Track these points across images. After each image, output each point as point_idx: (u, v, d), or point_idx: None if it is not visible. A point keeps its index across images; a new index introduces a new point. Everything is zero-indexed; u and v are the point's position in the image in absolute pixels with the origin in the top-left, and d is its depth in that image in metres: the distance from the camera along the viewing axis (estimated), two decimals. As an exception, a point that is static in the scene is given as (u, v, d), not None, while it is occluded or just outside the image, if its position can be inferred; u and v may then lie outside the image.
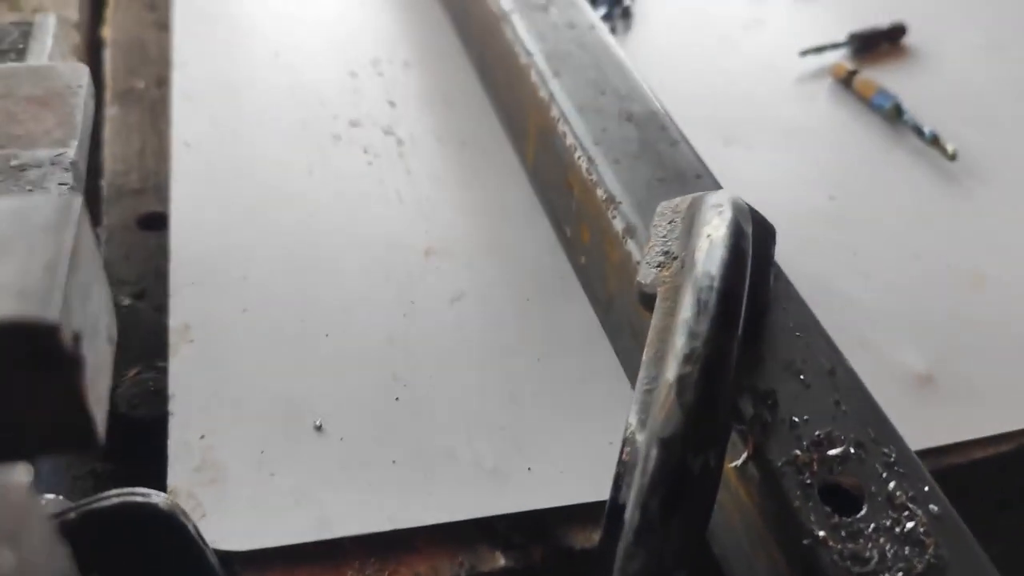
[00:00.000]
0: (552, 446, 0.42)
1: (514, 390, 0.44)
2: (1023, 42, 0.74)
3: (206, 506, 0.38)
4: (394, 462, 0.40)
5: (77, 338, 0.21)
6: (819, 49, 0.71)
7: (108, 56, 0.71)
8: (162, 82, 0.68)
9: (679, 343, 0.31)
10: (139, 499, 0.32)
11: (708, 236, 0.35)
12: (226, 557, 0.36)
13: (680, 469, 0.29)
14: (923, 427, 0.46)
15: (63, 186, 0.41)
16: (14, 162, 0.41)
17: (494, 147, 0.59)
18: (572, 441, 0.42)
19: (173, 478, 0.39)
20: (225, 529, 0.37)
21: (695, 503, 0.29)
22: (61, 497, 0.34)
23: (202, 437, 0.40)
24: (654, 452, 0.29)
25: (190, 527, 0.32)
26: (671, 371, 0.30)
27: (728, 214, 0.36)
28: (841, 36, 0.72)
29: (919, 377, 0.48)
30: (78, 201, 0.22)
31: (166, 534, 0.32)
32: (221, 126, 0.57)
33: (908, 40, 0.74)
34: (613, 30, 0.71)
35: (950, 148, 0.61)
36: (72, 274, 0.20)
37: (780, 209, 0.57)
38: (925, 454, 0.45)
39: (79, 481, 0.42)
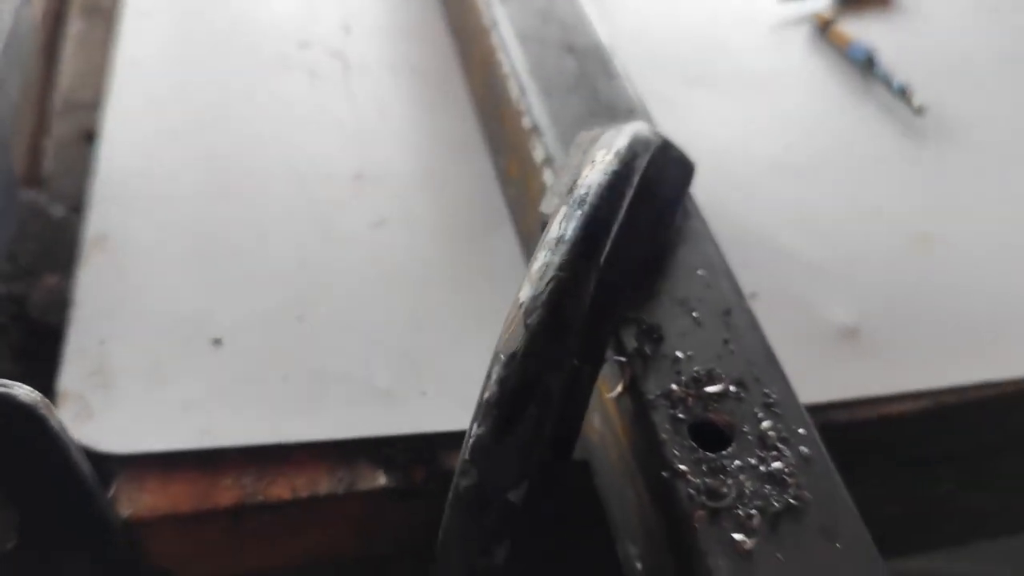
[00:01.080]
0: (452, 373, 0.42)
1: (422, 318, 0.44)
2: (1014, 5, 0.71)
3: (94, 408, 0.38)
4: (285, 378, 0.40)
5: None
6: (800, -3, 0.69)
7: (77, -29, 0.70)
8: None
9: (535, 265, 0.30)
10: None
11: (592, 161, 0.34)
12: (104, 459, 0.37)
13: (516, 390, 0.28)
14: (838, 379, 0.45)
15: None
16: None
17: (445, 77, 0.58)
18: (473, 369, 0.42)
19: (65, 380, 0.39)
20: (108, 432, 0.37)
21: (530, 423, 0.28)
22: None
23: (101, 343, 0.41)
24: (495, 371, 0.29)
25: (52, 421, 0.33)
26: (523, 292, 0.30)
27: (621, 142, 0.35)
28: (826, -16, 0.70)
29: (844, 331, 0.47)
30: None
31: (29, 427, 0.32)
32: (170, 45, 0.57)
33: (895, -8, 0.72)
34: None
35: (916, 102, 0.60)
36: None
37: (733, 156, 0.56)
38: (836, 406, 0.45)
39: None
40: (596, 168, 0.33)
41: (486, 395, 0.28)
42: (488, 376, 0.29)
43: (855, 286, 0.49)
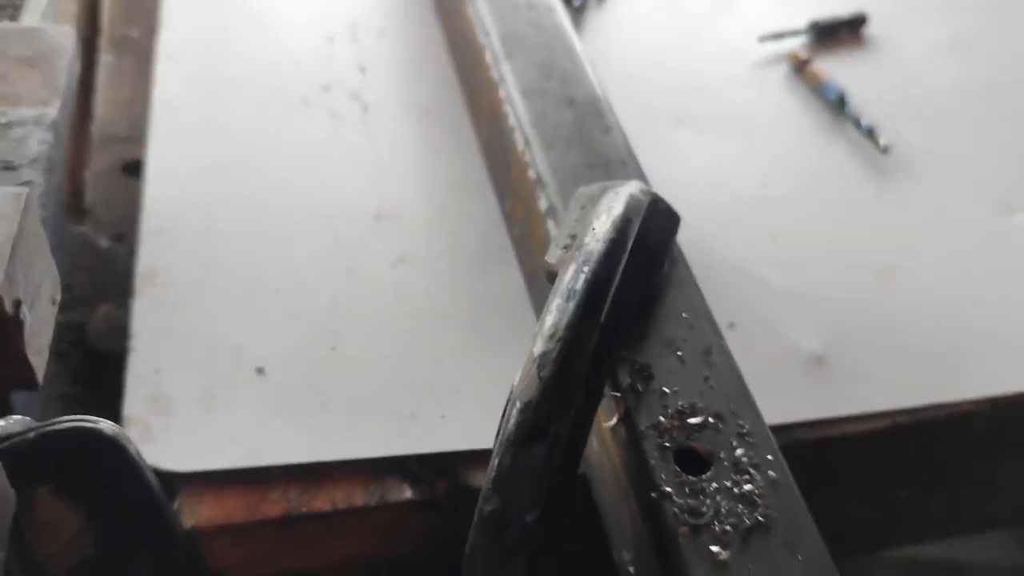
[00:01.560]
0: (466, 398, 0.48)
1: (440, 349, 0.50)
2: (985, 45, 0.77)
3: (154, 431, 0.44)
4: (324, 404, 0.46)
5: (18, 304, 0.26)
6: (778, 36, 0.74)
7: (106, 4, 0.75)
8: (155, 31, 0.72)
9: (546, 323, 0.36)
10: (88, 424, 0.37)
11: (593, 229, 0.40)
12: (168, 477, 0.42)
13: (532, 431, 0.34)
14: (806, 401, 0.51)
15: (43, 144, 0.46)
16: (2, 120, 0.46)
17: (454, 119, 0.63)
18: (484, 395, 0.48)
19: (128, 406, 0.44)
20: (169, 453, 0.43)
21: (546, 460, 0.34)
22: (28, 419, 0.40)
23: (157, 372, 0.46)
24: (513, 415, 0.34)
25: (131, 449, 0.38)
26: (537, 347, 0.35)
27: (617, 209, 0.41)
28: (804, 23, 0.76)
29: (812, 357, 0.53)
30: (24, 194, 0.27)
31: (111, 454, 0.38)
32: (200, 87, 0.62)
33: (869, 30, 0.77)
34: (584, 6, 0.75)
35: (882, 142, 0.65)
36: (15, 253, 0.26)
37: (714, 192, 0.62)
38: (804, 425, 0.51)
39: (50, 403, 0.48)
40: (596, 235, 0.39)
41: (505, 436, 0.34)
42: (506, 418, 0.35)
43: (823, 315, 0.55)
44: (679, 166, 0.63)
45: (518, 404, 0.35)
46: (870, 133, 0.66)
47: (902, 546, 0.62)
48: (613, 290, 0.37)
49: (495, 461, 0.35)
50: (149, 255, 0.51)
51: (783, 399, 0.51)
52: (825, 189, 0.64)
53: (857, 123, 0.67)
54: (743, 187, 0.63)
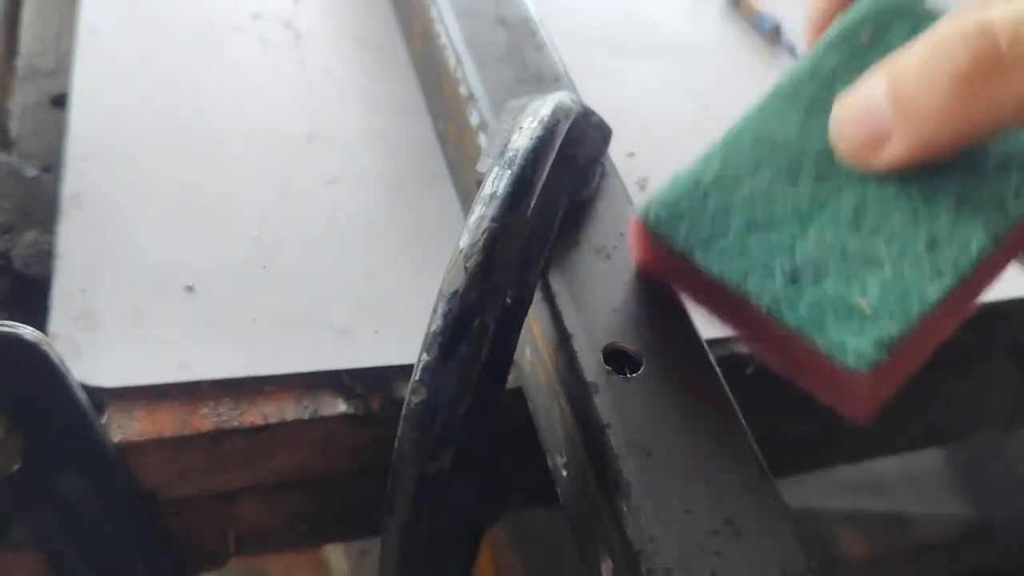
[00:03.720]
0: (400, 314, 0.47)
1: (374, 267, 0.49)
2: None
3: (82, 348, 0.43)
4: (255, 320, 0.45)
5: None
6: None
7: (30, -62, 0.73)
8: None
9: (472, 217, 0.36)
10: (6, 329, 0.37)
11: (520, 128, 0.40)
12: (95, 392, 0.42)
13: (458, 322, 0.34)
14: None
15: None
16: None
17: (388, 45, 0.63)
18: (418, 311, 0.47)
19: (54, 324, 0.44)
20: (97, 368, 0.42)
21: (469, 349, 0.34)
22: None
23: (83, 291, 0.45)
24: (440, 306, 0.34)
25: (53, 356, 0.37)
26: (463, 240, 0.35)
27: (545, 110, 0.41)
28: (740, -44, 0.76)
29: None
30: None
31: (33, 361, 0.37)
32: (127, 13, 0.60)
33: (804, -36, 0.78)
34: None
35: (816, 69, 0.66)
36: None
37: (649, 117, 0.62)
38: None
39: (-27, 326, 0.47)
40: (523, 134, 0.39)
41: (432, 327, 0.34)
42: (434, 311, 0.35)
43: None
44: (614, 93, 0.63)
45: (444, 295, 0.34)
46: (804, 61, 0.67)
47: (835, 465, 0.64)
48: (540, 187, 0.37)
49: (422, 354, 0.34)
50: (75, 179, 0.50)
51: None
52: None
53: (792, 52, 0.68)
54: (679, 114, 0.63)
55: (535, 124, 0.39)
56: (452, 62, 0.52)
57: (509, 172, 0.37)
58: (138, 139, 0.53)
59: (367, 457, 0.46)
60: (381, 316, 0.47)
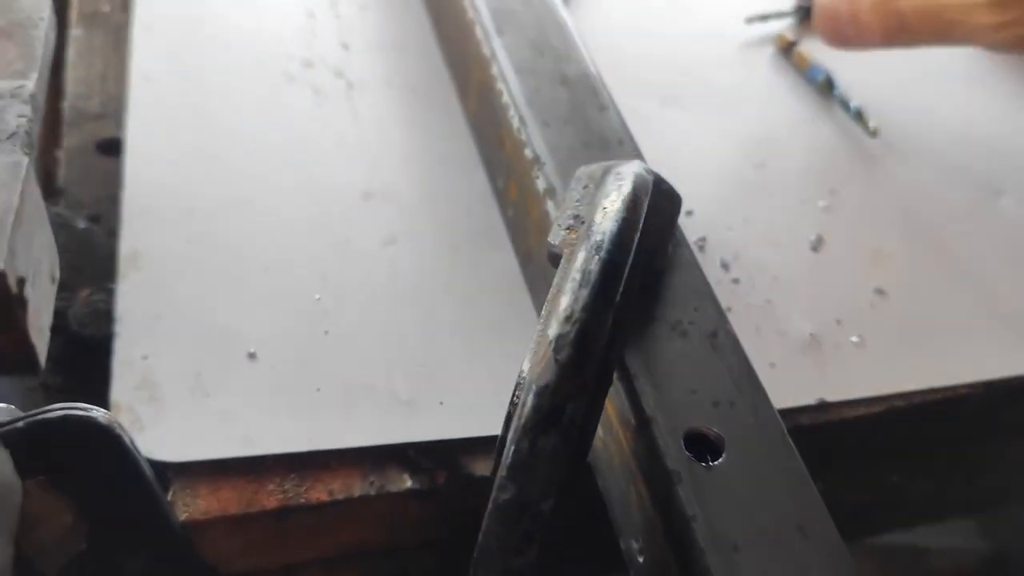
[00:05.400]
0: (464, 383, 0.46)
1: (435, 331, 0.48)
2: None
3: (144, 420, 0.42)
4: (318, 390, 0.45)
5: (21, 282, 0.24)
6: (764, 17, 0.74)
7: (75, -23, 0.72)
8: (127, 5, 0.69)
9: (562, 305, 0.35)
10: (80, 412, 0.36)
11: (604, 208, 0.39)
12: (160, 467, 0.41)
13: (549, 416, 0.33)
14: (805, 386, 0.51)
15: (21, 118, 0.44)
16: (-24, 93, 0.44)
17: (440, 95, 0.62)
18: (482, 380, 0.47)
19: (115, 393, 0.43)
20: (160, 442, 0.41)
21: (562, 446, 0.33)
22: (12, 407, 0.38)
23: (144, 358, 0.44)
24: (530, 400, 0.33)
25: (126, 439, 0.37)
26: (552, 329, 0.34)
27: (626, 188, 0.40)
28: (790, 4, 0.75)
29: (807, 342, 0.53)
30: (25, 163, 0.25)
31: (105, 444, 0.36)
32: (178, 60, 0.60)
33: (852, 13, 0.77)
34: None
35: (872, 125, 0.65)
36: (17, 226, 0.24)
37: (704, 174, 0.61)
38: (803, 410, 0.51)
39: (31, 392, 0.46)
40: (608, 216, 0.38)
41: (522, 421, 0.33)
42: (520, 404, 0.34)
43: (816, 299, 0.55)
44: (668, 147, 0.62)
45: (534, 388, 0.33)
46: (859, 116, 0.66)
47: (892, 531, 0.63)
48: (627, 271, 0.37)
49: (511, 448, 0.34)
50: (132, 236, 0.49)
51: (781, 384, 0.50)
52: (817, 172, 0.63)
53: (845, 105, 0.67)
54: (734, 169, 0.62)
55: (619, 205, 0.38)
56: (516, 122, 0.51)
57: (598, 258, 0.36)
58: (194, 194, 0.52)
59: (431, 530, 0.45)
60: (444, 385, 0.46)
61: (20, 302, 0.24)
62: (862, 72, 0.70)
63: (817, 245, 0.58)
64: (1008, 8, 0.56)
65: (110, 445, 0.36)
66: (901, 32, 0.61)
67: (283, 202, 0.53)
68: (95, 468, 0.37)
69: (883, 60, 0.73)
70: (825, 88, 0.69)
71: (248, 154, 0.55)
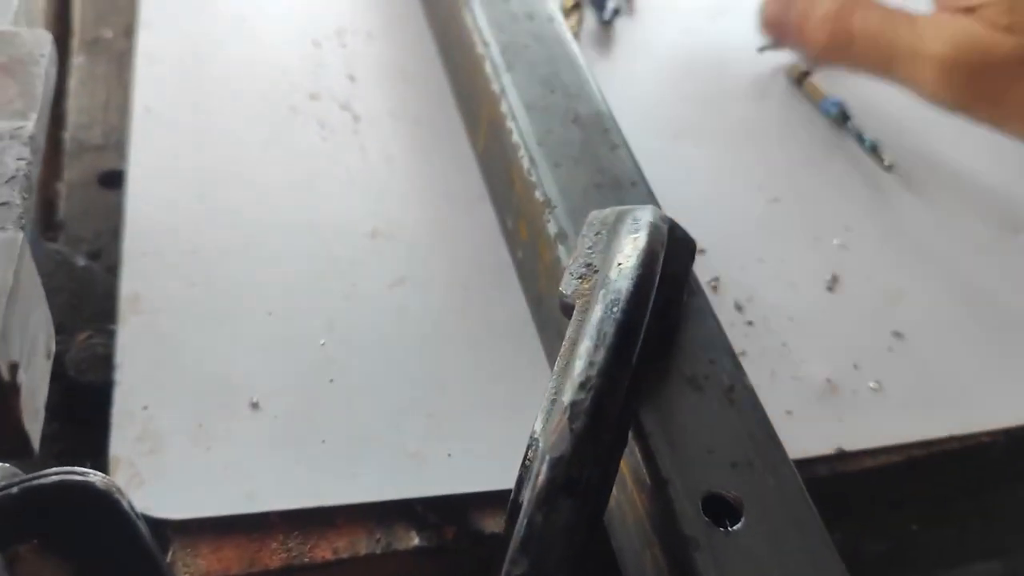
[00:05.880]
0: (473, 434, 0.45)
1: (444, 378, 0.47)
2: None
3: (144, 475, 0.41)
4: (324, 442, 0.43)
5: (14, 368, 0.23)
6: (776, 46, 0.72)
7: (77, 3, 0.71)
8: (130, 32, 0.68)
9: (576, 370, 0.34)
10: (77, 478, 0.34)
11: (619, 265, 0.38)
12: (160, 524, 0.40)
13: (565, 488, 0.32)
14: (822, 436, 0.49)
15: (20, 161, 0.43)
16: (-26, 135, 0.43)
17: (448, 129, 0.61)
18: (492, 430, 0.45)
19: (115, 447, 0.41)
20: (161, 498, 0.40)
21: (578, 517, 0.32)
22: (11, 467, 0.37)
23: (145, 408, 0.43)
24: (544, 470, 0.32)
25: (124, 503, 0.35)
26: (566, 395, 0.33)
27: (642, 242, 0.39)
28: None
29: (824, 388, 0.51)
30: (19, 238, 0.24)
31: (102, 509, 0.35)
32: (182, 92, 0.58)
33: (866, 41, 0.76)
34: (614, 19, 0.72)
35: (887, 159, 0.64)
36: (11, 308, 0.23)
37: (717, 210, 0.60)
38: (821, 460, 0.49)
39: (27, 441, 0.44)
40: (623, 273, 0.37)
41: (536, 493, 0.32)
42: (532, 470, 0.33)
43: (832, 342, 0.54)
44: (680, 182, 0.60)
45: (548, 459, 0.32)
46: (873, 149, 0.65)
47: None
48: (643, 330, 0.35)
49: (524, 521, 0.32)
50: (133, 278, 0.48)
51: (797, 432, 0.49)
52: (829, 208, 0.62)
53: (860, 139, 0.66)
54: (747, 207, 0.61)
55: (635, 261, 0.37)
56: (526, 163, 0.50)
57: (613, 318, 0.34)
58: (196, 234, 0.51)
59: (436, 586, 0.44)
60: (453, 436, 0.45)
61: (13, 389, 0.23)
62: (876, 101, 0.68)
63: (833, 285, 0.57)
64: (954, 78, 0.55)
65: (108, 510, 0.35)
66: (846, 51, 0.60)
67: (288, 242, 0.52)
68: (92, 532, 0.35)
69: (899, 90, 0.72)
70: (839, 120, 0.67)
71: (252, 191, 0.54)
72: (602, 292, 0.37)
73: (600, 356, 0.34)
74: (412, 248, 0.53)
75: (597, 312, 0.35)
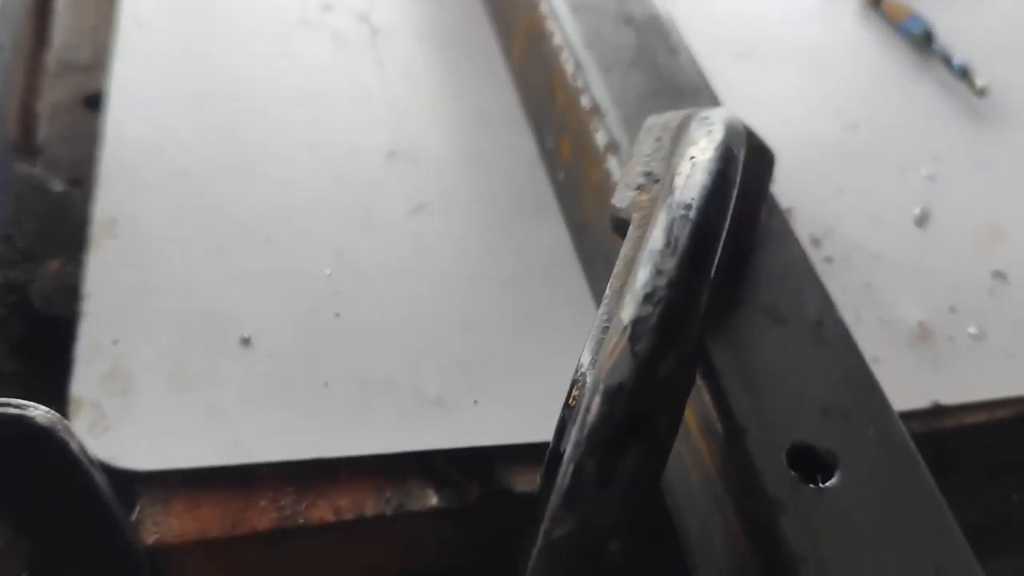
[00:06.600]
0: (504, 379, 0.38)
1: (470, 315, 0.40)
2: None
3: (110, 419, 0.34)
4: (326, 385, 0.36)
5: None
6: (850, -37, 0.64)
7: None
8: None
9: (640, 280, 0.26)
10: (14, 412, 0.28)
11: (692, 159, 0.30)
12: (126, 476, 0.33)
13: (625, 427, 0.24)
14: (916, 385, 0.42)
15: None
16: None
17: (479, 43, 0.53)
18: (527, 375, 0.38)
19: (77, 386, 0.35)
20: (129, 446, 0.34)
21: (639, 468, 0.25)
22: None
23: (115, 342, 0.36)
24: (596, 404, 0.25)
25: (73, 445, 0.29)
26: (627, 311, 0.26)
27: (718, 135, 0.32)
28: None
29: (918, 332, 0.44)
30: None
31: (46, 452, 0.29)
32: (177, 2, 0.52)
33: (950, -40, 0.67)
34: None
35: (979, 83, 0.56)
36: None
37: (787, 136, 0.52)
38: (914, 415, 0.42)
39: (-17, 380, 0.38)
40: (698, 168, 0.29)
41: (585, 433, 0.25)
42: (579, 407, 0.26)
43: (925, 283, 0.46)
44: (745, 105, 0.52)
45: (604, 389, 0.25)
46: (964, 73, 0.57)
47: (1009, 557, 0.53)
48: (723, 238, 0.28)
49: (569, 468, 0.25)
50: (109, 199, 0.42)
51: (887, 383, 0.41)
52: (916, 136, 0.54)
53: (948, 62, 0.57)
54: (823, 132, 0.53)
55: (712, 154, 0.30)
56: (570, 67, 0.43)
57: (688, 220, 0.27)
58: (187, 153, 0.44)
59: (460, 556, 0.37)
60: (481, 381, 0.38)
61: None
62: (965, 23, 0.60)
63: (922, 220, 0.49)
64: None
65: (53, 454, 0.28)
66: None
67: (292, 163, 0.45)
68: (35, 480, 0.29)
69: (992, 9, 0.63)
70: (923, 42, 0.59)
71: (253, 109, 0.47)
72: (673, 191, 0.29)
73: (671, 263, 0.26)
74: (435, 172, 0.46)
75: (664, 214, 0.28)
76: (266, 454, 0.34)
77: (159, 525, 0.32)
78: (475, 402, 0.37)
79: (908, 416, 0.42)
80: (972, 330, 0.44)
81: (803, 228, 0.47)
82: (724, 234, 0.28)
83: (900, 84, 0.57)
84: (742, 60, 0.56)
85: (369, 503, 0.34)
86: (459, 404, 0.37)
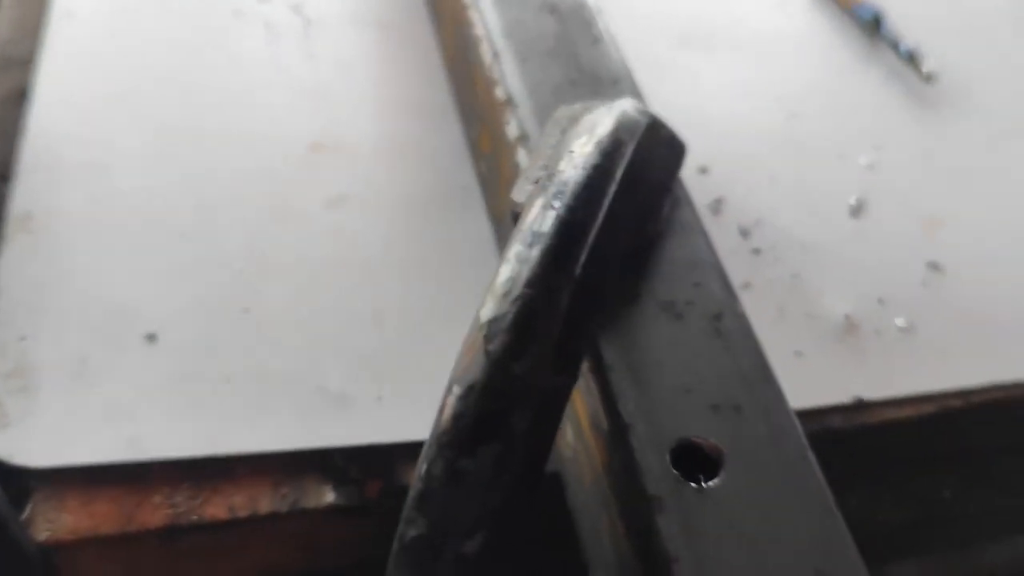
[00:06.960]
0: (411, 375, 0.38)
1: (382, 310, 0.40)
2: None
3: (11, 415, 0.34)
4: (229, 380, 0.36)
5: None
6: (802, -52, 0.63)
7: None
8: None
9: (500, 277, 0.26)
10: None
11: (571, 152, 0.30)
12: (19, 473, 0.33)
13: (473, 427, 0.24)
14: (838, 382, 0.41)
15: None
16: None
17: (417, 35, 0.53)
18: (435, 371, 0.38)
19: (-23, 383, 0.35)
20: (25, 443, 0.34)
21: (494, 468, 0.24)
22: None
23: (22, 339, 0.36)
24: (448, 404, 0.25)
25: (-53, 445, 0.29)
26: (485, 310, 0.26)
27: (603, 128, 0.31)
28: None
29: (843, 327, 0.43)
30: None
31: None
32: (111, -7, 0.51)
33: (906, -56, 0.66)
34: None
35: (925, 69, 0.55)
36: None
37: (726, 125, 0.52)
38: (835, 410, 0.41)
39: None
40: (574, 160, 0.29)
41: (437, 434, 0.25)
42: (440, 410, 0.25)
43: (856, 275, 0.45)
44: (683, 94, 0.52)
45: (455, 390, 0.25)
46: (911, 58, 0.56)
47: (937, 553, 0.53)
48: (595, 233, 0.28)
49: (421, 469, 0.25)
50: (25, 194, 0.42)
51: (808, 378, 0.41)
52: (859, 123, 0.53)
53: (895, 47, 0.57)
54: (764, 119, 0.52)
55: (590, 147, 0.29)
56: (487, 57, 0.42)
57: (552, 215, 0.27)
58: (109, 147, 0.44)
59: (359, 552, 0.37)
60: (388, 377, 0.38)
61: None
62: (915, 7, 0.59)
63: (858, 210, 0.49)
64: None
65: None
66: None
67: (212, 156, 0.44)
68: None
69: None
70: (872, 27, 0.58)
71: (178, 100, 0.47)
72: (546, 187, 0.29)
73: (531, 260, 0.26)
74: (357, 164, 0.46)
75: (535, 208, 0.28)
76: (162, 451, 0.34)
77: (52, 522, 0.33)
78: (379, 399, 0.37)
79: (828, 411, 0.42)
80: (900, 323, 0.44)
81: (732, 219, 0.47)
82: (597, 227, 0.27)
83: (847, 71, 0.57)
84: (687, 48, 0.56)
85: (264, 500, 0.34)
86: (363, 400, 0.37)
